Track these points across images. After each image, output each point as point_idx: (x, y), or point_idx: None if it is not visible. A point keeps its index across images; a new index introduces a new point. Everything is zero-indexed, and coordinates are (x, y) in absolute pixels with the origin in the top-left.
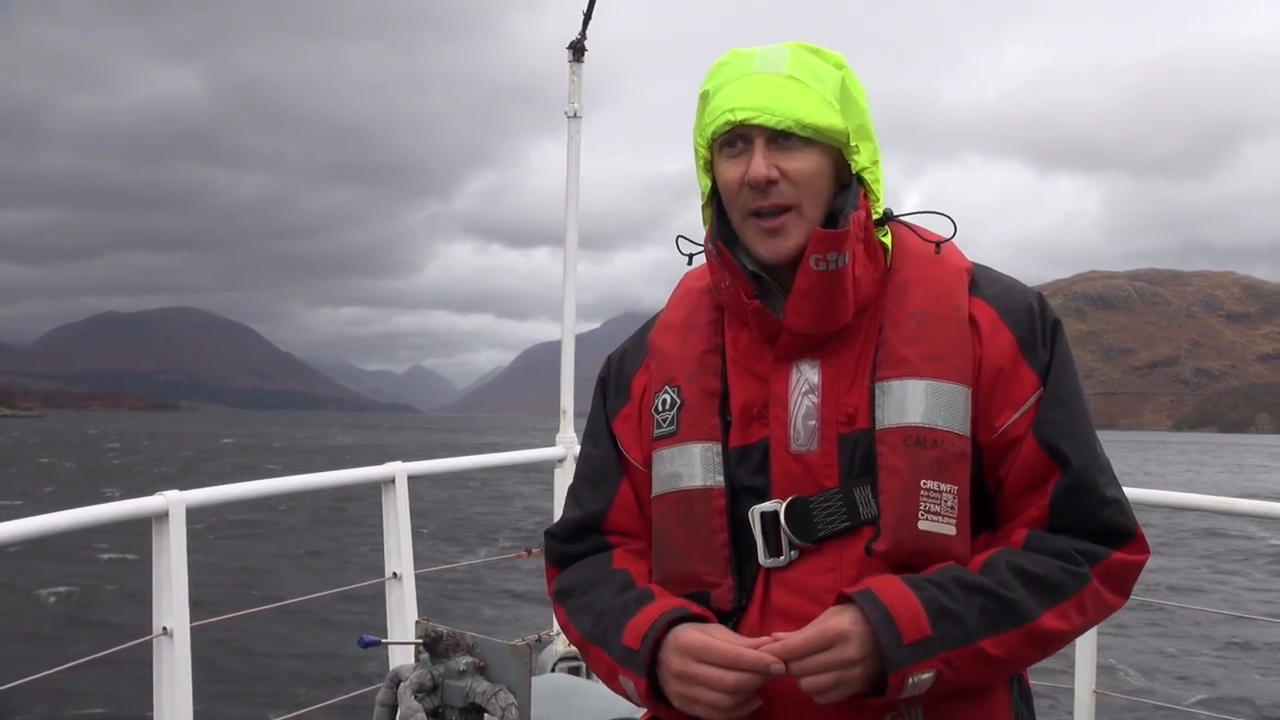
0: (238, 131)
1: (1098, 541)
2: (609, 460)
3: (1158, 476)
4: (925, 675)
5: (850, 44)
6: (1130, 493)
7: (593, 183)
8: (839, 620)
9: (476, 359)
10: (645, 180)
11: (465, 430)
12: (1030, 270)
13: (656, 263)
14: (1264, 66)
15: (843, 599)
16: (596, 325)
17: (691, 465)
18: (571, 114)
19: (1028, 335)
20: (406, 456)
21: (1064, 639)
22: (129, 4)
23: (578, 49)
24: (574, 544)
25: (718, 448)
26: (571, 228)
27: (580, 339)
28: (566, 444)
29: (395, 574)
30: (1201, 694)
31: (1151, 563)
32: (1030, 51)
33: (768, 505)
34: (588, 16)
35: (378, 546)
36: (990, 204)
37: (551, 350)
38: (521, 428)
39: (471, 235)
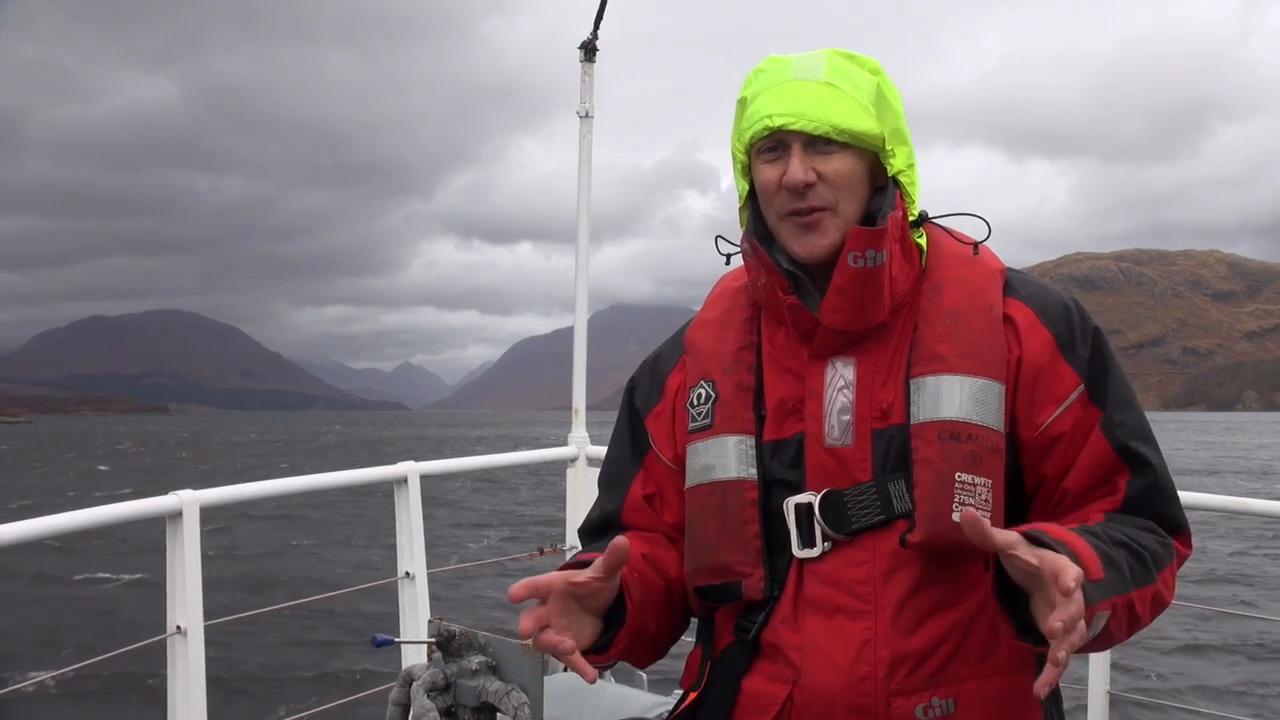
0: (216, 136)
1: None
2: (623, 462)
3: None
4: (1105, 615)
5: (832, 37)
6: None
7: (573, 175)
8: (1050, 553)
9: (464, 355)
10: (623, 174)
11: (469, 425)
12: (1009, 254)
13: (637, 255)
14: (1226, 50)
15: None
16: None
17: (725, 457)
18: (584, 114)
19: (1066, 334)
20: (419, 456)
21: (1164, 607)
22: (103, 16)
23: (589, 49)
24: (597, 539)
25: (751, 441)
26: (583, 231)
27: (567, 332)
28: (579, 443)
29: (408, 573)
30: (1217, 695)
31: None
32: (1000, 38)
33: (802, 497)
34: (599, 17)
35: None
36: (965, 189)
37: (538, 344)
38: (522, 421)
39: (453, 232)
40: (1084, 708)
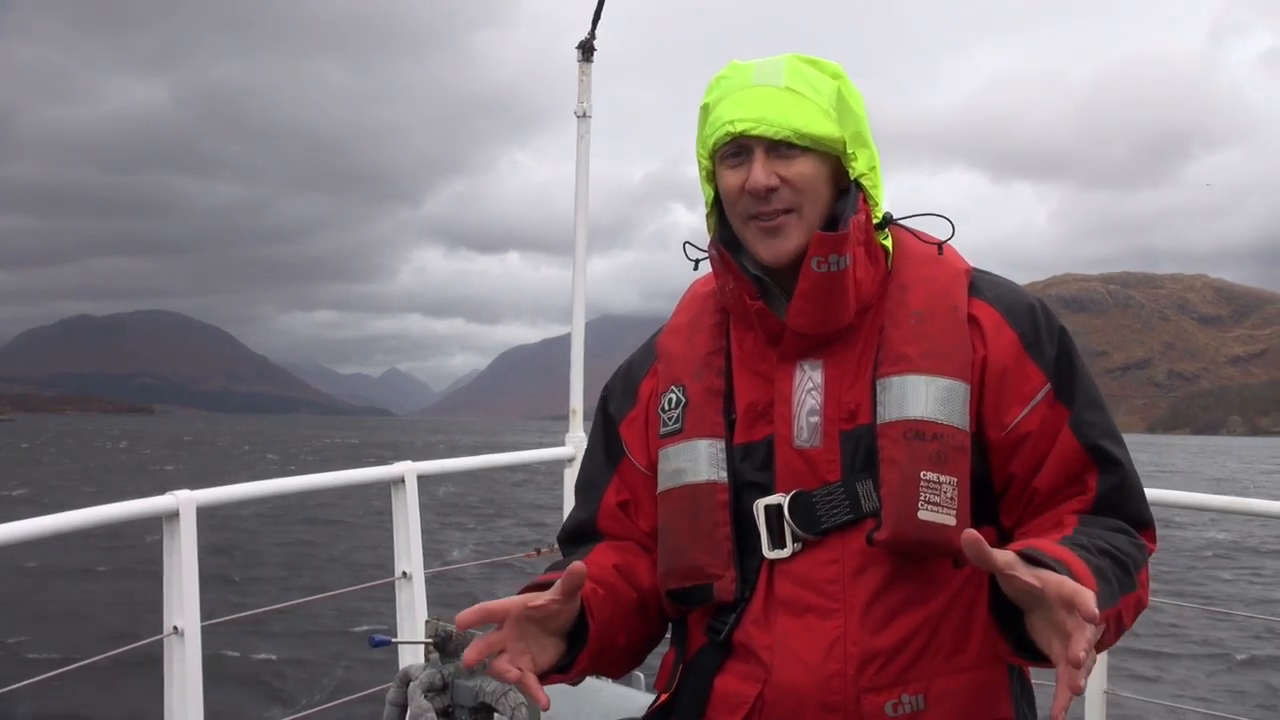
0: (207, 141)
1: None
2: (597, 468)
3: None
4: (1101, 629)
5: (828, 54)
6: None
7: (563, 187)
8: (1052, 574)
9: (451, 362)
10: (613, 186)
11: (458, 432)
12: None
13: (625, 267)
14: (1198, 82)
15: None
16: (571, 328)
17: (696, 461)
18: (581, 114)
19: (1031, 334)
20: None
21: (1143, 609)
22: (98, 20)
23: (587, 49)
24: (573, 546)
25: (722, 444)
26: (582, 231)
27: (556, 342)
28: (576, 444)
29: (405, 573)
30: (1216, 695)
31: (1166, 563)
32: (986, 62)
33: (771, 499)
34: (597, 16)
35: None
36: (949, 209)
37: (528, 353)
38: (511, 429)
39: (442, 240)
40: (1081, 707)
